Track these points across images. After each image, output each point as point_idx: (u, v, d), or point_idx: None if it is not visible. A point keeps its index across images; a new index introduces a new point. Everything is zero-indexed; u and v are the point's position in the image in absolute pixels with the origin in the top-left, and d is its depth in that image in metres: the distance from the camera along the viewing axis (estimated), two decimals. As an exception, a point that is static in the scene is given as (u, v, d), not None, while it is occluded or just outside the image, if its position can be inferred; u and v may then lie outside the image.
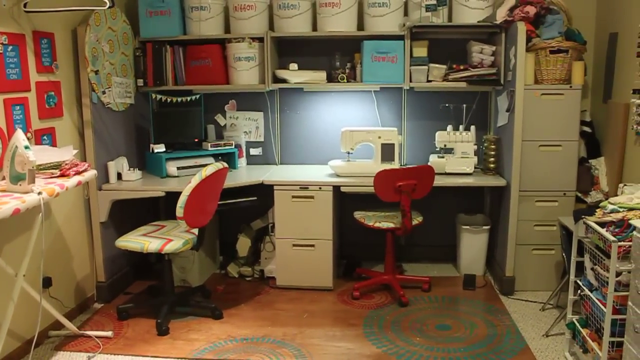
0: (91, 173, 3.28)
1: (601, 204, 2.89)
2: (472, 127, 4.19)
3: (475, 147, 4.14)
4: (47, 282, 3.40)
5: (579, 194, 3.89)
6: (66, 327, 3.40)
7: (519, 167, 3.83)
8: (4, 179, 2.88)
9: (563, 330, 3.22)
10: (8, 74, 3.06)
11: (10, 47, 3.07)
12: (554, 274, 3.96)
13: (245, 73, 4.26)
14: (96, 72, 3.77)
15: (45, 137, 3.41)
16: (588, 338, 2.77)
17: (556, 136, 3.83)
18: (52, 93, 3.47)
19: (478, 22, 4.04)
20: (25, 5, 3.15)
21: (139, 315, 3.73)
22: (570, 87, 3.80)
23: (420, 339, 3.37)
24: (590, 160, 3.96)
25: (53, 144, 3.48)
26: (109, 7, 3.26)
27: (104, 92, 3.87)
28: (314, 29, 4.27)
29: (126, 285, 4.24)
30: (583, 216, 2.82)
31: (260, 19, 4.22)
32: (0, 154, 3.00)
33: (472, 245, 4.30)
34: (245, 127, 4.67)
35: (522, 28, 3.71)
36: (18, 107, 3.15)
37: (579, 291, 2.96)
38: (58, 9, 3.34)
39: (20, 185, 2.75)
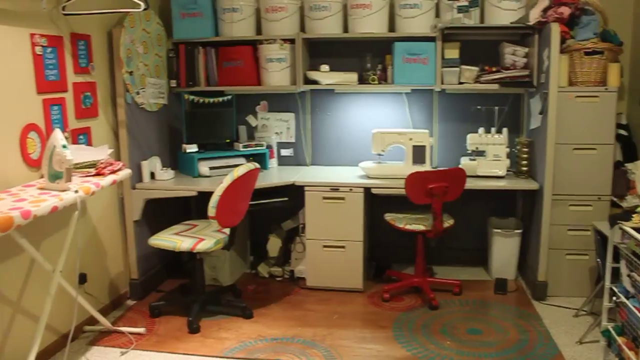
0: (126, 172, 3.34)
1: (638, 209, 2.84)
2: (504, 130, 4.15)
3: (508, 149, 4.10)
4: (82, 279, 3.47)
5: (614, 199, 3.81)
6: (100, 323, 3.47)
7: (552, 171, 3.78)
8: (42, 177, 2.95)
9: (598, 337, 3.17)
10: (47, 75, 3.14)
11: (49, 49, 3.15)
12: (588, 279, 3.89)
13: (277, 74, 4.28)
14: (130, 73, 3.83)
15: (81, 137, 3.48)
16: (624, 346, 2.72)
17: (591, 139, 3.77)
18: (88, 93, 3.54)
19: (511, 23, 3.99)
20: (63, 8, 3.23)
21: (170, 312, 3.78)
22: (606, 89, 3.73)
23: (451, 343, 3.35)
24: (626, 164, 3.88)
25: (89, 143, 3.56)
26: (144, 10, 3.31)
27: (138, 93, 3.93)
28: (345, 30, 4.27)
29: (158, 283, 4.30)
30: (619, 221, 2.77)
31: (291, 21, 4.24)
32: (39, 152, 3.07)
33: (504, 249, 4.25)
34: (277, 127, 4.69)
35: (556, 29, 3.66)
36: (56, 107, 3.23)
37: (614, 298, 2.91)
38: (95, 11, 3.40)
39: (57, 183, 2.82)
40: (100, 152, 3.35)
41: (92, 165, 3.22)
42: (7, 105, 2.86)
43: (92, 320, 3.51)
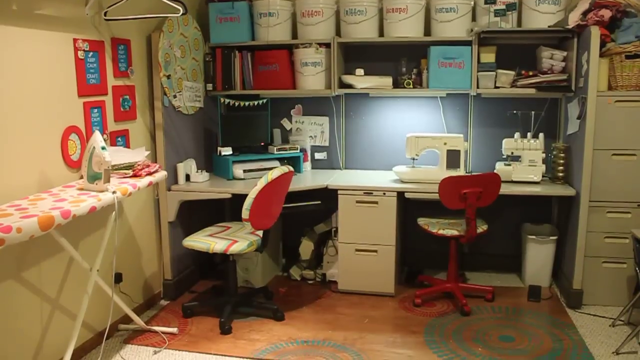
0: (162, 174, 3.40)
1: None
2: (541, 135, 4.09)
3: (544, 155, 4.03)
4: (118, 278, 3.54)
5: (655, 206, 3.73)
6: (134, 322, 3.53)
7: (589, 177, 3.71)
8: (82, 177, 3.03)
9: (635, 348, 3.11)
10: (88, 79, 3.23)
11: (90, 54, 3.23)
12: (626, 288, 3.80)
13: (312, 78, 4.31)
14: (168, 77, 3.90)
15: (119, 139, 3.56)
16: (661, 357, 2.66)
17: (630, 145, 3.69)
18: (127, 97, 3.62)
19: (549, 26, 3.93)
20: (105, 14, 3.31)
21: (203, 313, 3.83)
22: (647, 93, 3.65)
23: (483, 350, 3.31)
24: (667, 171, 3.79)
25: (127, 145, 3.63)
26: (182, 14, 3.37)
27: (175, 96, 4.00)
28: (381, 34, 4.27)
29: (191, 284, 4.36)
30: (658, 229, 2.71)
31: (327, 25, 4.27)
32: (79, 154, 3.16)
33: (538, 255, 4.19)
34: (311, 131, 4.72)
35: (595, 32, 3.59)
36: (96, 110, 3.31)
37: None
38: (135, 16, 3.48)
39: (96, 184, 2.89)
40: (138, 154, 3.43)
41: (130, 166, 3.29)
42: (50, 108, 2.95)
43: (126, 319, 3.58)
